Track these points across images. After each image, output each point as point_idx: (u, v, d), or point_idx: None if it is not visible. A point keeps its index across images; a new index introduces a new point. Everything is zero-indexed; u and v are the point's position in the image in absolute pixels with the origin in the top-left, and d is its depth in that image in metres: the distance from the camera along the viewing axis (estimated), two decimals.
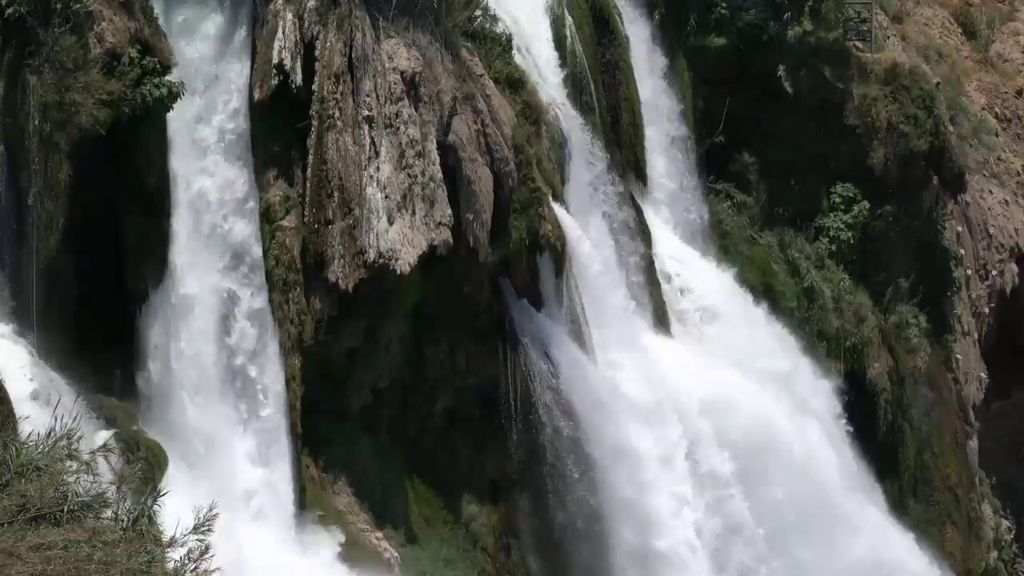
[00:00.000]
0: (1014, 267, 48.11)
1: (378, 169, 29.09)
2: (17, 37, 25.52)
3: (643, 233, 36.76)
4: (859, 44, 43.52)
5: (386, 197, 28.96)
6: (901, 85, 43.09)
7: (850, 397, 40.56)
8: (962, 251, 45.67)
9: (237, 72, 28.67)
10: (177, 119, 27.43)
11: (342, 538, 28.84)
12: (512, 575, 32.08)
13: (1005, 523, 47.56)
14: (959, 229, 45.93)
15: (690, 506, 33.53)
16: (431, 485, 31.14)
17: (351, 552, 28.78)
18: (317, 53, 28.90)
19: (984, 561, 45.00)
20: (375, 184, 28.98)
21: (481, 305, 31.53)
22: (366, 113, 29.13)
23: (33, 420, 20.70)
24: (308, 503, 28.89)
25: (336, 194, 28.76)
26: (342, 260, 28.72)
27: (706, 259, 39.81)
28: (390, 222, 28.92)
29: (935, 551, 41.36)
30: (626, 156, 37.92)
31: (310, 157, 28.83)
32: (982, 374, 46.74)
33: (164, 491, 14.29)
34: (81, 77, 25.63)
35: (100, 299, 26.76)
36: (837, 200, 42.32)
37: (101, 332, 26.82)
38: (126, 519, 12.81)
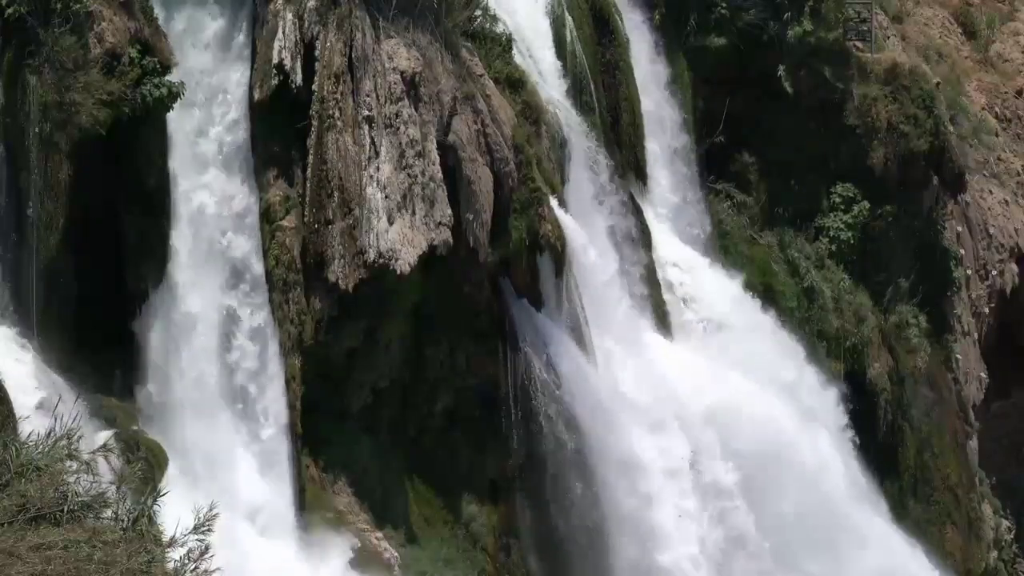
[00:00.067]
0: (1014, 267, 48.11)
1: (378, 169, 29.10)
2: (17, 37, 25.53)
3: (643, 234, 36.72)
4: (859, 44, 43.51)
5: (386, 197, 28.97)
6: (901, 85, 43.08)
7: (851, 400, 40.45)
8: (962, 251, 45.67)
9: (235, 82, 28.61)
10: (178, 131, 27.44)
11: (353, 545, 28.85)
12: (512, 575, 32.08)
13: (1005, 523, 47.55)
14: (959, 229, 45.92)
15: (695, 519, 33.24)
16: (431, 485, 31.14)
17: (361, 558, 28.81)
18: (317, 53, 28.90)
19: (984, 561, 45.00)
20: (375, 184, 28.98)
21: (481, 305, 31.53)
22: (366, 113, 29.13)
23: (32, 420, 20.73)
24: (308, 503, 28.89)
25: (336, 194, 28.76)
26: (342, 260, 28.72)
27: (714, 268, 39.42)
28: (390, 222, 28.93)
29: (935, 551, 41.37)
30: (626, 156, 37.92)
31: (310, 157, 28.83)
32: (982, 374, 46.73)
33: (164, 491, 14.29)
34: (81, 77, 25.64)
35: (100, 299, 26.76)
36: (837, 200, 42.31)
37: (101, 332, 26.83)
38: (126, 519, 12.80)
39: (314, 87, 28.88)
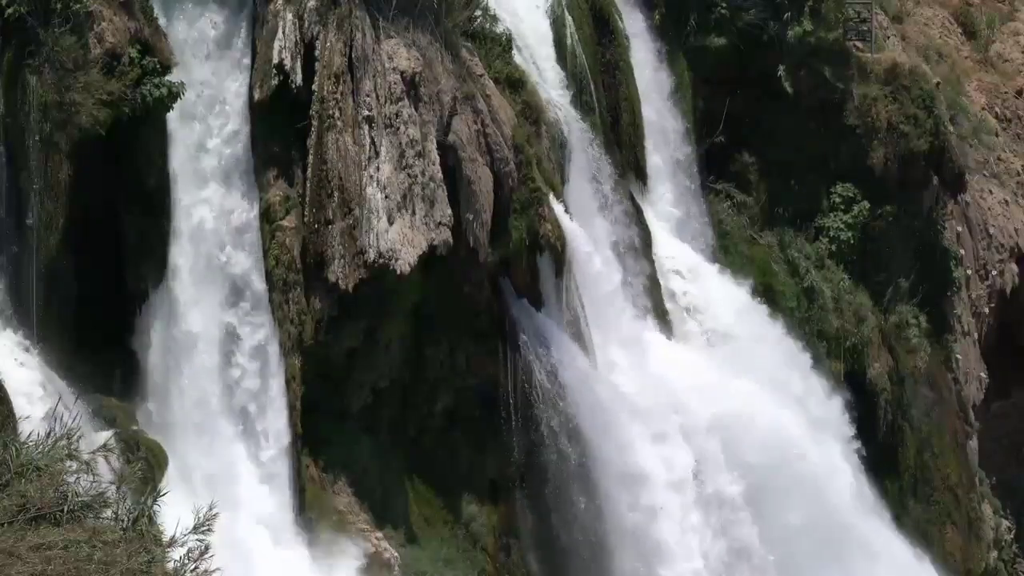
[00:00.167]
0: (1014, 267, 48.10)
1: (378, 169, 29.09)
2: (17, 37, 25.53)
3: (645, 244, 36.67)
4: (859, 44, 43.50)
5: (386, 197, 28.97)
6: (901, 85, 43.07)
7: (852, 400, 40.37)
8: (962, 251, 45.66)
9: (234, 92, 28.55)
10: (180, 144, 27.42)
11: (364, 551, 28.87)
12: (512, 575, 32.07)
13: (1005, 523, 47.54)
14: (959, 229, 45.92)
15: (698, 532, 32.99)
16: (431, 485, 31.14)
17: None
18: (317, 53, 28.90)
19: (984, 561, 44.99)
20: (375, 184, 28.98)
21: (481, 305, 31.53)
22: (366, 113, 29.13)
23: (32, 420, 20.72)
24: (308, 503, 28.89)
25: (336, 194, 28.76)
26: (342, 260, 28.72)
27: (721, 276, 39.19)
28: (390, 222, 28.92)
29: (935, 551, 41.35)
30: (626, 156, 37.91)
31: (310, 157, 28.83)
32: (982, 374, 46.72)
33: (164, 491, 14.29)
34: (81, 77, 25.64)
35: (100, 299, 26.76)
36: (837, 200, 42.30)
37: (101, 332, 26.83)
38: (126, 519, 12.80)
39: (314, 87, 28.88)
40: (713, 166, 41.36)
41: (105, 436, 23.72)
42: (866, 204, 42.23)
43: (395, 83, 29.45)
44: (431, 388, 31.36)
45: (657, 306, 36.78)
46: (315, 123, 28.80)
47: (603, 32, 37.66)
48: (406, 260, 28.88)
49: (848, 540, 36.53)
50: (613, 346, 34.13)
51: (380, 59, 29.45)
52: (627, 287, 35.29)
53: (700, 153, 40.95)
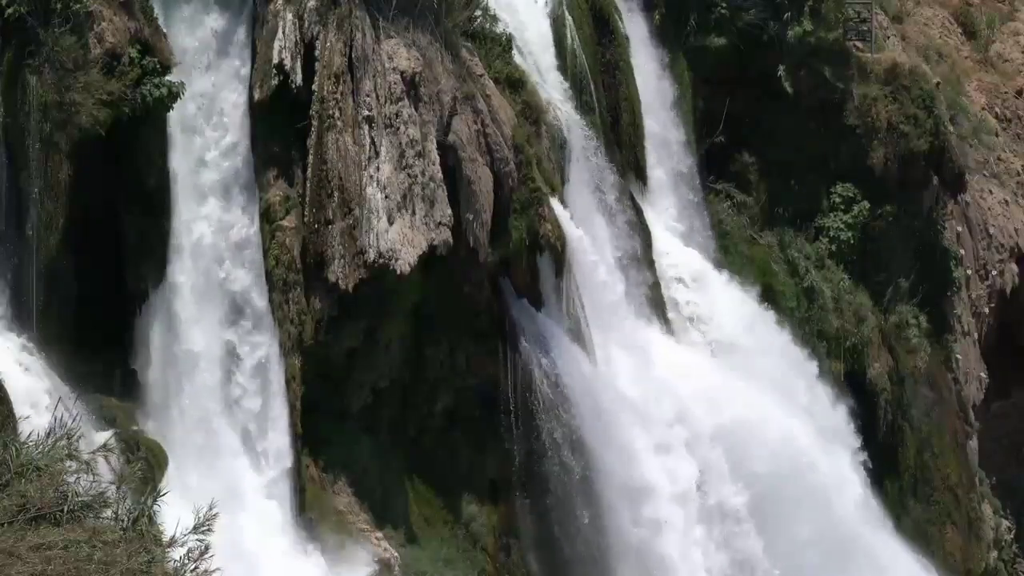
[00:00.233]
0: (1014, 267, 48.10)
1: (378, 169, 29.09)
2: (17, 37, 25.52)
3: (643, 234, 36.68)
4: (859, 44, 43.50)
5: (386, 197, 28.96)
6: (901, 85, 43.07)
7: (852, 400, 40.29)
8: (962, 251, 45.66)
9: (232, 103, 28.50)
10: (181, 160, 27.40)
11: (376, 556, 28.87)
12: (512, 575, 32.07)
13: (1005, 523, 47.54)
14: (959, 229, 45.91)
15: (701, 545, 32.76)
16: (431, 485, 31.13)
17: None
18: (317, 53, 28.89)
19: (984, 561, 44.98)
20: (375, 184, 28.98)
21: (481, 305, 31.52)
22: (366, 113, 29.13)
23: (32, 420, 20.69)
24: (308, 504, 28.89)
25: (336, 194, 28.76)
26: (342, 260, 28.71)
27: (728, 285, 38.89)
28: (390, 222, 28.92)
29: (935, 551, 41.32)
30: (626, 156, 37.90)
31: (310, 157, 28.83)
32: (982, 374, 46.72)
33: (164, 491, 14.28)
34: (81, 77, 25.64)
35: (100, 299, 26.75)
36: (837, 200, 42.29)
37: (101, 332, 26.82)
38: (126, 519, 12.80)
39: (314, 87, 28.87)
40: (713, 166, 41.35)
41: (105, 436, 23.70)
42: (866, 204, 42.22)
43: (395, 83, 29.44)
44: (431, 388, 31.36)
45: (660, 310, 36.74)
46: (315, 123, 28.79)
47: (603, 32, 37.65)
48: (406, 260, 28.88)
49: (855, 552, 36.31)
50: (615, 348, 34.08)
51: (380, 59, 29.45)
52: (630, 295, 35.24)
53: (701, 162, 40.87)
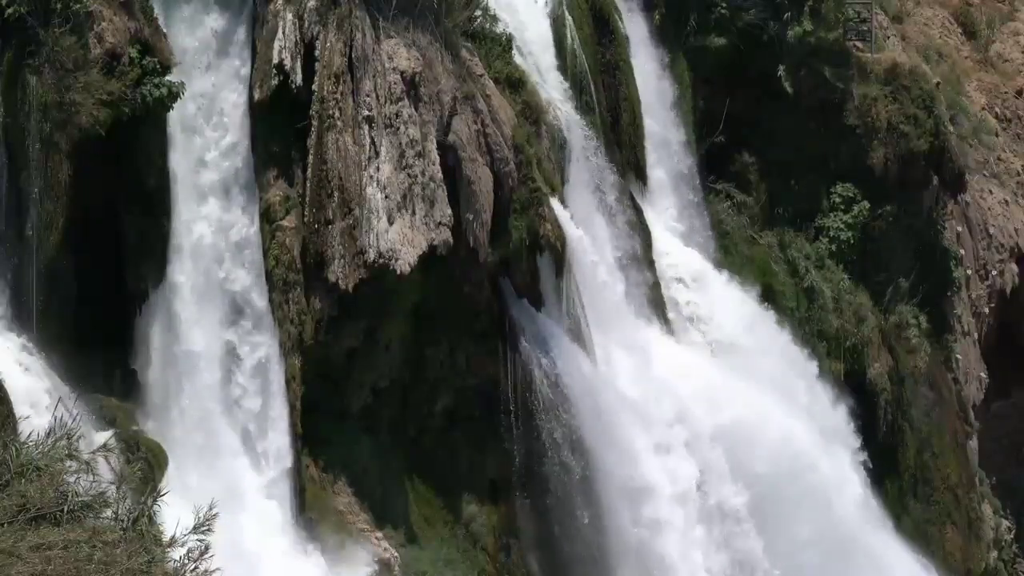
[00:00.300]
0: (1014, 267, 48.11)
1: (378, 169, 29.09)
2: (17, 37, 25.52)
3: (643, 234, 36.66)
4: (859, 44, 43.50)
5: (386, 197, 28.96)
6: (901, 85, 43.07)
7: (855, 408, 40.21)
8: (962, 251, 45.66)
9: (232, 103, 28.48)
10: (181, 162, 27.38)
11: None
12: (512, 575, 32.06)
13: (1005, 523, 47.54)
14: (959, 229, 45.92)
15: (701, 546, 32.65)
16: (431, 485, 31.13)
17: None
18: (317, 53, 28.89)
19: (984, 561, 44.98)
20: (375, 184, 28.98)
21: (481, 305, 31.52)
22: (366, 113, 29.13)
23: (32, 420, 20.69)
24: (308, 504, 28.89)
25: (336, 194, 28.75)
26: (342, 260, 28.71)
27: (728, 286, 38.76)
28: (390, 222, 28.92)
29: (935, 551, 41.31)
30: (626, 156, 37.89)
31: (310, 157, 28.82)
32: (982, 374, 46.72)
33: (164, 491, 14.27)
34: (81, 77, 25.64)
35: (100, 299, 26.75)
36: (837, 200, 42.30)
37: (101, 332, 26.81)
38: (126, 519, 12.79)
39: (314, 87, 28.87)
40: (713, 166, 41.35)
41: (105, 436, 23.71)
42: (866, 204, 42.23)
43: (395, 83, 29.44)
44: (431, 388, 31.36)
45: (660, 310, 36.72)
46: (315, 123, 28.79)
47: (603, 32, 37.64)
48: (406, 260, 28.87)
49: (855, 552, 36.24)
50: (615, 348, 34.06)
51: (380, 59, 29.45)
52: (630, 295, 35.23)
53: (701, 162, 40.85)
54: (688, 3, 40.40)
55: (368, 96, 29.13)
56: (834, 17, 41.93)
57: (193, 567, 12.33)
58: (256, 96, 28.47)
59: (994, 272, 47.47)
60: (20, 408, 23.07)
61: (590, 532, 31.94)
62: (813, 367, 39.20)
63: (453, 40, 30.96)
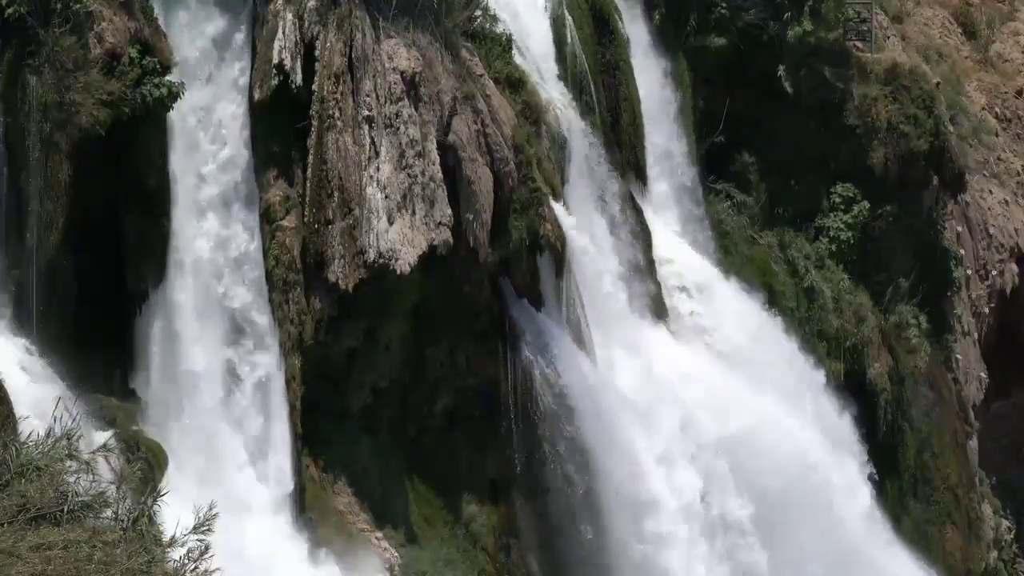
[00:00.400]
0: (1014, 267, 48.11)
1: (378, 169, 29.09)
2: (17, 37, 25.52)
3: (644, 235, 36.63)
4: (859, 44, 43.50)
5: (386, 197, 28.96)
6: (901, 85, 43.08)
7: (857, 415, 40.12)
8: (962, 251, 45.67)
9: (231, 115, 28.43)
10: (183, 175, 27.37)
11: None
12: (512, 575, 32.06)
13: (1005, 523, 47.54)
14: (959, 229, 45.92)
15: (704, 560, 32.49)
16: (431, 485, 31.13)
17: None
18: (317, 53, 28.89)
19: (984, 561, 44.98)
20: (375, 184, 28.98)
21: (481, 305, 31.52)
22: (366, 113, 29.13)
23: (32, 420, 20.68)
24: (308, 504, 28.88)
25: (336, 194, 28.75)
26: (342, 260, 28.71)
27: (737, 296, 38.54)
28: (390, 222, 28.92)
29: (935, 551, 41.29)
30: (626, 156, 37.89)
31: (310, 157, 28.82)
32: (982, 374, 46.72)
33: (164, 491, 14.27)
34: (81, 77, 25.64)
35: (100, 299, 26.74)
36: (837, 200, 42.30)
37: (101, 332, 26.81)
38: (126, 519, 12.79)
39: (314, 87, 28.87)
40: (713, 166, 41.35)
41: (105, 436, 23.70)
42: (866, 204, 42.23)
43: (395, 83, 29.44)
44: (431, 388, 31.36)
45: (660, 309, 36.69)
46: (315, 123, 28.79)
47: (603, 32, 37.64)
48: (406, 260, 28.87)
49: (861, 565, 36.04)
50: (615, 349, 34.02)
51: (380, 59, 29.45)
52: (630, 294, 35.18)
53: (702, 162, 40.82)
54: (688, 3, 40.40)
55: (368, 96, 29.13)
56: (834, 17, 41.93)
57: (193, 567, 12.32)
58: (256, 96, 28.46)
59: (994, 272, 47.48)
60: (19, 408, 23.04)
61: (592, 543, 31.79)
62: (820, 376, 39.07)
63: (453, 40, 30.96)
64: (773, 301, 40.26)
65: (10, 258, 25.67)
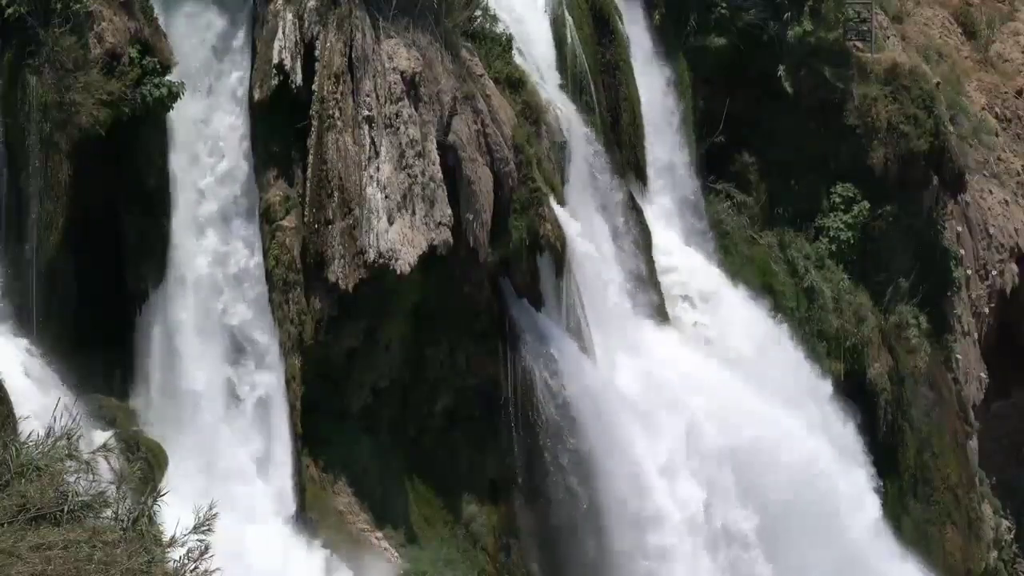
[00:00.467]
0: (1014, 267, 48.12)
1: (378, 169, 29.09)
2: (17, 37, 25.52)
3: (643, 234, 36.63)
4: (859, 44, 43.51)
5: (386, 197, 28.96)
6: (901, 85, 43.08)
7: (862, 424, 40.07)
8: (962, 251, 45.67)
9: (229, 125, 28.40)
10: (183, 188, 27.36)
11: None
12: (512, 575, 32.06)
13: (1005, 523, 47.55)
14: (959, 229, 45.93)
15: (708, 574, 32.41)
16: (431, 485, 31.13)
17: None
18: (317, 53, 28.89)
19: (984, 561, 44.98)
20: (375, 184, 28.97)
21: (481, 305, 31.52)
22: (366, 113, 29.13)
23: (32, 420, 20.67)
24: (308, 504, 28.88)
25: (336, 194, 28.75)
26: (342, 260, 28.71)
27: (744, 304, 38.45)
28: (390, 222, 28.92)
29: (935, 551, 41.28)
30: (626, 156, 37.89)
31: (310, 157, 28.82)
32: (982, 374, 46.73)
33: (164, 491, 14.27)
34: (81, 77, 25.64)
35: (100, 299, 26.74)
36: (837, 200, 42.31)
37: (101, 332, 26.81)
38: (126, 519, 12.79)
39: (314, 87, 28.87)
40: (713, 166, 41.35)
41: (105, 436, 23.71)
42: (866, 204, 42.24)
43: (395, 83, 29.44)
44: (431, 388, 31.36)
45: (659, 309, 36.67)
46: (315, 123, 28.79)
47: (603, 32, 37.64)
48: (406, 260, 28.87)
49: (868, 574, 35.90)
50: (614, 348, 34.01)
51: (380, 59, 29.45)
52: (630, 294, 35.14)
53: (701, 161, 40.82)
54: (688, 3, 40.41)
55: (368, 96, 29.14)
56: (834, 17, 41.94)
57: (193, 567, 12.32)
58: (256, 96, 28.46)
59: (994, 272, 47.48)
60: (19, 408, 23.04)
61: (595, 557, 31.70)
62: (827, 386, 38.94)
63: (453, 40, 30.96)
64: (775, 304, 40.23)
65: (10, 258, 25.67)
